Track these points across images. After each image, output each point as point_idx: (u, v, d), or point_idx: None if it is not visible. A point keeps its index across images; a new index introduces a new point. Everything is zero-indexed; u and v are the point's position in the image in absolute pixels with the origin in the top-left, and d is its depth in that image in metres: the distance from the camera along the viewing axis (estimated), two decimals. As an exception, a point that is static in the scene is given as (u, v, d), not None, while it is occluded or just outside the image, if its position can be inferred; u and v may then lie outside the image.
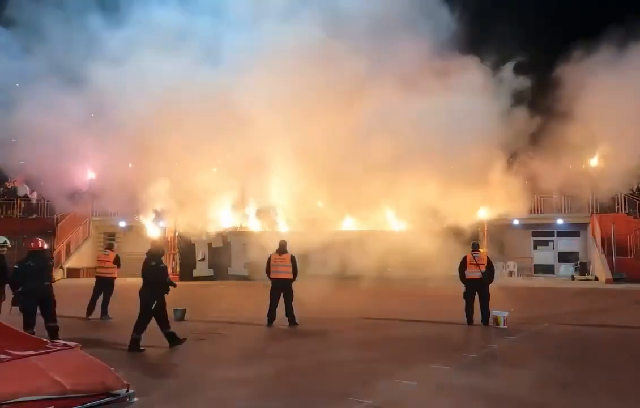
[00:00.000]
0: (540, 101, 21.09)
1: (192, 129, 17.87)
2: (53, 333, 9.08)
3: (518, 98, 19.34)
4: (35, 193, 29.63)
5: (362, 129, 17.71)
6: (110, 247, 14.48)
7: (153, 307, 9.26)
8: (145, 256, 9.71)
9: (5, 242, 10.15)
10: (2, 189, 30.35)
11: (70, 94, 18.36)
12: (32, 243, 9.61)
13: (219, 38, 19.14)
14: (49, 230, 27.47)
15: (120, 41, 18.54)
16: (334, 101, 17.93)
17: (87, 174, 25.66)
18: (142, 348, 9.12)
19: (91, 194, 25.75)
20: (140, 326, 9.18)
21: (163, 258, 9.88)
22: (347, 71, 17.70)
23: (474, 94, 17.93)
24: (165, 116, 17.61)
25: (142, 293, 9.36)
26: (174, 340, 9.35)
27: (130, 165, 20.74)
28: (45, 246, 10.04)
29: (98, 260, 14.21)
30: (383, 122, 17.80)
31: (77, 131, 18.35)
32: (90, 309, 12.98)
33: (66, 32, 18.35)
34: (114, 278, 13.51)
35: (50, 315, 9.40)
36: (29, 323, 8.98)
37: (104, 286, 13.18)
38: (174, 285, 9.76)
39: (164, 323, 9.38)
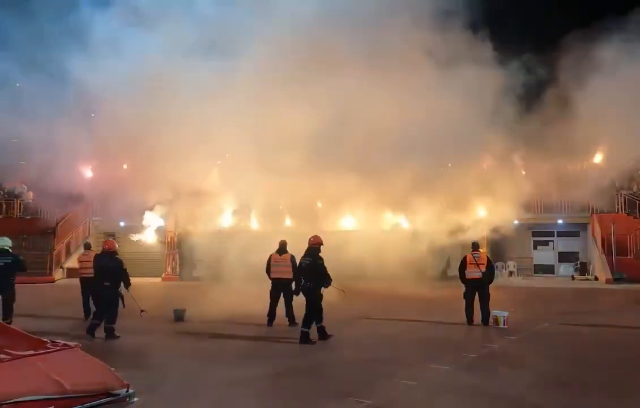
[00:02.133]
0: (540, 98, 20.92)
1: (187, 125, 17.35)
2: (106, 333, 10.24)
3: (517, 95, 19.06)
4: (31, 193, 29.58)
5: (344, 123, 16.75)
6: (88, 247, 14.37)
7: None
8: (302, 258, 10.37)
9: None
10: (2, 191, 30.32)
11: (63, 91, 17.96)
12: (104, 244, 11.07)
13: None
14: (49, 230, 27.44)
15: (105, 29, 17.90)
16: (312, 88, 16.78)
17: (85, 175, 25.58)
18: (312, 340, 9.75)
19: (90, 196, 25.65)
20: (319, 316, 9.93)
21: (321, 255, 10.32)
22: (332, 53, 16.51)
23: (470, 91, 17.35)
24: (161, 111, 17.11)
25: (304, 290, 10.10)
26: (324, 334, 9.96)
27: (124, 166, 20.55)
28: (113, 248, 10.92)
29: (79, 262, 14.15)
30: (365, 113, 16.92)
31: (71, 130, 18.01)
32: (87, 312, 12.96)
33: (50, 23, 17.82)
34: None
35: (106, 315, 10.36)
36: (94, 314, 10.72)
37: (90, 287, 13.08)
38: (329, 281, 10.23)
39: (312, 317, 9.91)
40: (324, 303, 10.13)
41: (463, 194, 19.08)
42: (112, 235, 28.86)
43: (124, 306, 10.47)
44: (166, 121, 16.94)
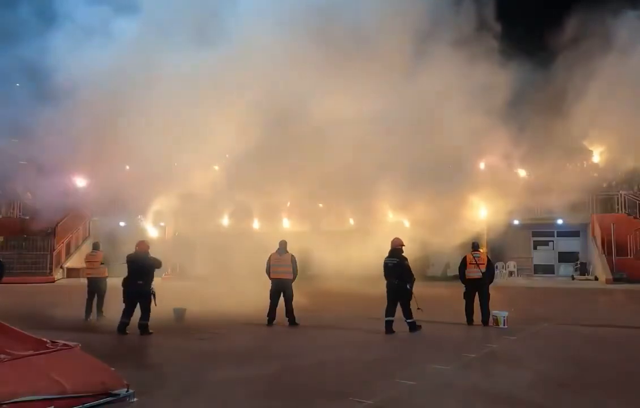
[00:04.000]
0: (540, 97, 20.83)
1: (187, 124, 17.15)
2: (141, 329, 10.69)
3: (516, 93, 18.88)
4: (29, 193, 29.51)
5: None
6: (96, 247, 14.28)
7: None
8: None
9: None
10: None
11: (56, 90, 17.75)
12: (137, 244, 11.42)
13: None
14: (49, 230, 27.44)
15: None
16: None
17: (84, 176, 25.51)
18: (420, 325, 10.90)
19: (90, 197, 25.56)
20: (408, 311, 10.92)
21: (404, 256, 11.06)
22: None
23: (467, 87, 17.07)
24: (160, 109, 16.91)
25: (395, 287, 10.88)
26: (414, 327, 10.86)
27: (127, 167, 20.47)
28: (144, 249, 11.34)
29: (86, 261, 14.11)
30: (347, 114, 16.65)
31: (68, 131, 17.81)
32: (88, 313, 12.95)
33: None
34: (106, 277, 13.44)
35: (142, 312, 10.81)
36: (124, 313, 10.85)
37: (96, 287, 13.06)
38: (413, 280, 10.96)
39: (407, 311, 10.94)
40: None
41: (461, 195, 18.97)
42: (112, 235, 28.89)
43: (155, 304, 10.86)
44: (154, 120, 16.74)
